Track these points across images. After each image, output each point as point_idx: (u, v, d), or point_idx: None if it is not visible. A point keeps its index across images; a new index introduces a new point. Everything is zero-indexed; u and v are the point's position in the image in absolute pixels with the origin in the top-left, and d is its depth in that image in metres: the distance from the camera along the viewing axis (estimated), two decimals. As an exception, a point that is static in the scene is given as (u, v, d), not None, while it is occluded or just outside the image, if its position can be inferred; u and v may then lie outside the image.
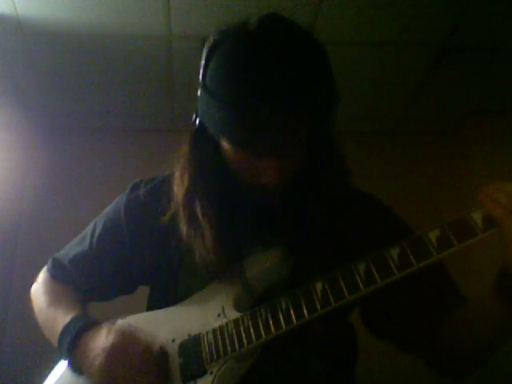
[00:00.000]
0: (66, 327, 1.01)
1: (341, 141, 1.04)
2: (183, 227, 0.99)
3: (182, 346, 0.95)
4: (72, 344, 0.98)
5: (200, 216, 0.97)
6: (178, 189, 1.02)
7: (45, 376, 1.08)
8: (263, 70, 0.85)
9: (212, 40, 0.94)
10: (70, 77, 2.78)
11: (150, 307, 1.10)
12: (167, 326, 0.99)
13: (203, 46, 0.97)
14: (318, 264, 0.95)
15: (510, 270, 0.79)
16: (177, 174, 1.03)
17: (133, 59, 2.65)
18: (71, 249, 1.18)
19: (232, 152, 0.93)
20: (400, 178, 3.19)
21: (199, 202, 0.98)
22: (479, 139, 3.12)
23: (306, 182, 0.98)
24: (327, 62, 0.92)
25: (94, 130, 3.25)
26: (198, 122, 0.98)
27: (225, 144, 0.94)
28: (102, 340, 0.94)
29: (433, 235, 0.80)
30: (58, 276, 1.17)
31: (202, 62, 0.95)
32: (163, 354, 0.94)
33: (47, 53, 2.59)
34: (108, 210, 1.18)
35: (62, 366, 1.05)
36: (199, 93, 0.96)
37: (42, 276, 1.21)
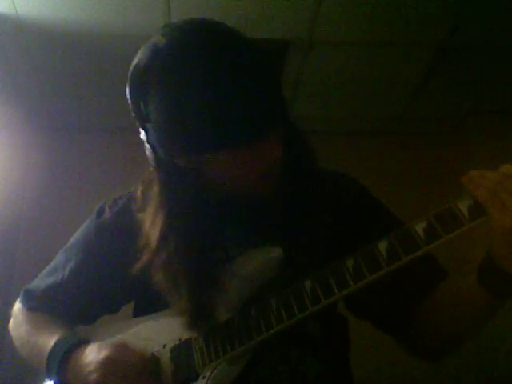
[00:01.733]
0: (53, 350, 0.98)
1: (298, 127, 1.00)
2: (157, 275, 0.94)
3: (173, 350, 0.94)
4: (61, 365, 0.95)
5: (176, 262, 0.92)
6: (151, 233, 0.95)
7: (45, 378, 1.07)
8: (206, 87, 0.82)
9: (134, 79, 0.90)
10: (69, 77, 2.78)
11: (137, 315, 1.08)
12: (157, 331, 0.98)
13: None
14: (308, 259, 0.95)
15: (496, 257, 0.79)
16: (147, 217, 0.97)
17: (133, 59, 2.65)
18: (43, 280, 1.13)
19: (231, 164, 0.88)
20: (400, 177, 3.19)
21: (175, 238, 0.92)
22: (479, 139, 3.12)
23: (281, 178, 0.95)
24: (253, 53, 0.88)
25: (94, 130, 3.25)
26: (159, 159, 0.94)
27: (221, 162, 0.88)
28: (94, 355, 0.92)
29: (419, 228, 0.79)
30: (34, 307, 1.12)
31: (138, 105, 0.90)
32: (155, 360, 0.93)
33: (47, 53, 2.59)
34: (77, 238, 1.13)
35: None
36: (145, 135, 0.92)
37: (16, 308, 1.16)
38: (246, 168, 0.89)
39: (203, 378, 0.89)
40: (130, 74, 0.92)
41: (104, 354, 0.91)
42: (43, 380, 1.06)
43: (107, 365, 0.90)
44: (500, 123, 3.05)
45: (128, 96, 0.93)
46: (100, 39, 2.52)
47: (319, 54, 2.64)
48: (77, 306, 1.09)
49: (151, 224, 0.95)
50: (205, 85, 0.82)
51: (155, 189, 0.96)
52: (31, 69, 2.72)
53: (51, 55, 2.61)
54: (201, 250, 0.93)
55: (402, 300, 0.98)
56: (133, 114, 0.94)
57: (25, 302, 1.14)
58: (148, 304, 1.04)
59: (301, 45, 2.55)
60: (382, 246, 0.81)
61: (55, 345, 0.99)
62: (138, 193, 1.04)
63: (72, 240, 1.14)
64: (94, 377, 0.89)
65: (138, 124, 0.94)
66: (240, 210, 0.98)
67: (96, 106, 3.07)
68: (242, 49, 0.87)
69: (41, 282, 1.13)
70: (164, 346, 0.95)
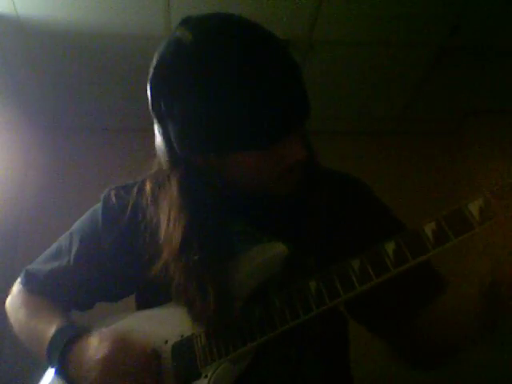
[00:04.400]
0: (53, 339, 0.98)
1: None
2: (178, 277, 0.92)
3: (175, 347, 0.93)
4: (62, 357, 0.95)
5: (199, 264, 0.91)
6: (172, 234, 0.93)
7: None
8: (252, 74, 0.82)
9: (158, 75, 0.89)
10: (69, 77, 2.78)
11: (140, 307, 1.07)
12: (159, 326, 0.97)
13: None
14: (313, 256, 0.94)
15: (498, 284, 0.78)
16: (165, 217, 0.96)
17: (133, 59, 2.65)
18: (45, 264, 1.12)
19: (252, 158, 0.87)
20: (400, 177, 3.19)
21: (197, 250, 0.91)
22: (479, 139, 3.12)
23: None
24: (277, 41, 0.90)
25: (94, 130, 3.25)
26: (175, 158, 0.93)
27: (239, 157, 0.88)
28: (93, 351, 0.91)
29: (428, 229, 0.77)
30: (34, 290, 1.12)
31: (159, 101, 0.89)
32: (157, 357, 0.92)
33: (47, 53, 2.59)
34: (83, 224, 1.12)
35: (50, 375, 1.01)
36: (162, 132, 0.92)
37: (16, 289, 1.16)
38: (272, 166, 0.89)
39: (205, 377, 0.88)
40: (152, 69, 0.91)
41: (103, 350, 0.90)
42: (42, 374, 1.06)
43: (107, 363, 0.89)
44: (500, 123, 3.05)
45: (148, 91, 0.92)
46: (100, 39, 2.52)
47: (319, 54, 2.64)
48: (78, 291, 1.09)
49: (173, 227, 0.94)
50: (244, 80, 0.82)
51: (173, 190, 0.95)
52: (31, 69, 2.71)
53: (51, 55, 2.61)
54: (219, 249, 0.93)
55: (400, 308, 0.97)
56: (150, 109, 0.93)
57: (26, 284, 1.13)
58: (150, 296, 1.04)
59: (301, 45, 2.55)
60: (390, 247, 0.79)
61: (55, 335, 0.98)
62: (148, 188, 1.03)
63: (77, 225, 1.13)
64: (93, 375, 0.89)
65: (154, 119, 0.94)
66: (247, 206, 0.98)
67: (96, 106, 3.07)
68: (270, 40, 0.87)
69: (44, 265, 1.12)
70: (166, 341, 0.94)
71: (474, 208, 0.75)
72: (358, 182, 1.10)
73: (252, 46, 0.84)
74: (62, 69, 2.72)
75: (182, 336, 0.94)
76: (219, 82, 0.82)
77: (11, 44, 2.53)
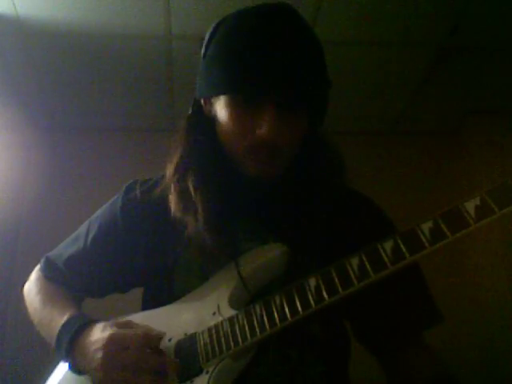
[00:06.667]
0: (63, 328, 1.00)
1: (335, 140, 1.06)
2: (173, 202, 0.99)
3: (178, 345, 0.94)
4: (70, 344, 0.97)
5: (192, 189, 0.96)
6: (170, 164, 1.02)
7: (45, 377, 1.08)
8: (267, 39, 0.90)
9: (215, 24, 1.00)
10: (69, 77, 2.79)
11: (145, 307, 1.09)
12: (163, 325, 0.98)
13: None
14: (315, 259, 0.95)
15: None
16: (171, 152, 1.03)
17: (133, 59, 2.66)
18: (65, 249, 1.17)
19: (228, 110, 0.94)
20: (399, 177, 3.19)
21: (191, 175, 0.98)
22: (479, 139, 3.12)
23: (300, 177, 0.98)
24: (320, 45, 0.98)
25: (94, 130, 3.25)
26: (194, 102, 1.03)
27: (221, 105, 0.95)
28: (98, 335, 0.93)
29: (425, 227, 0.79)
30: (52, 277, 1.17)
31: (206, 40, 1.00)
32: (160, 354, 0.93)
33: (47, 53, 2.60)
34: (103, 211, 1.16)
35: (63, 367, 1.04)
36: (200, 69, 0.99)
37: (34, 275, 1.20)
38: (244, 131, 0.93)
39: (206, 372, 0.89)
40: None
41: (107, 334, 0.92)
42: (44, 380, 1.07)
43: (110, 346, 0.90)
44: (500, 123, 3.05)
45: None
46: (100, 39, 2.52)
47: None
48: (92, 277, 1.13)
49: (171, 157, 1.02)
50: (248, 36, 0.91)
51: (180, 130, 1.04)
52: (31, 69, 2.72)
53: (51, 55, 2.61)
54: (214, 185, 0.97)
55: (395, 328, 0.99)
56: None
57: (45, 271, 1.18)
58: (157, 290, 1.05)
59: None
60: (388, 245, 0.81)
61: (66, 323, 1.01)
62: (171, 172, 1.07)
63: (97, 212, 1.17)
64: (98, 356, 0.90)
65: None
66: (252, 205, 0.99)
67: (96, 106, 3.07)
68: (304, 21, 0.97)
69: (63, 251, 1.17)
70: (169, 339, 0.95)
71: (470, 206, 0.77)
72: (368, 198, 1.12)
73: (270, 18, 0.92)
74: (61, 69, 2.72)
75: (185, 334, 0.95)
76: (232, 35, 0.94)
77: (11, 44, 2.53)
